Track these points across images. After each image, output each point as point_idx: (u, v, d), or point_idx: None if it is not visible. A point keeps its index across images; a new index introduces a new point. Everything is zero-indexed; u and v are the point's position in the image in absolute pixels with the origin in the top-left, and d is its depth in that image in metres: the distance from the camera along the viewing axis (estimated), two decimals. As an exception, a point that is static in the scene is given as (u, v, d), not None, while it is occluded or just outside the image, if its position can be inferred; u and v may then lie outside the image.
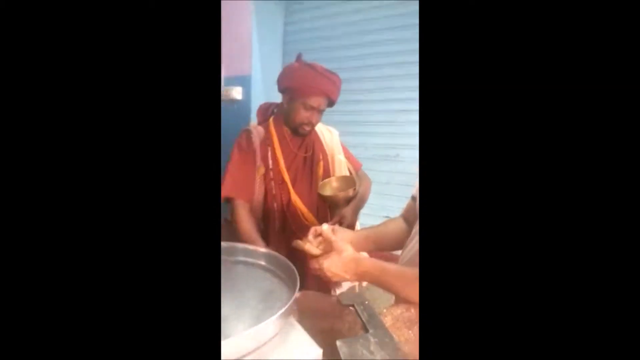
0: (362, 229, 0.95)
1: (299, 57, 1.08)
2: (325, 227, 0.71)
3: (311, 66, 1.02)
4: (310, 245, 0.70)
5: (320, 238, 0.72)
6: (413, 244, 0.75)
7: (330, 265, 0.63)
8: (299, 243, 0.71)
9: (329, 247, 0.68)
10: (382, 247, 0.87)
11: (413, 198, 0.83)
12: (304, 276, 0.59)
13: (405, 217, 0.86)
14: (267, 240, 1.09)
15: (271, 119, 1.16)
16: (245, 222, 1.03)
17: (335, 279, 0.66)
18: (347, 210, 1.10)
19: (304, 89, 1.01)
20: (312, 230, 0.74)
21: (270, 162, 1.09)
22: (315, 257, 0.67)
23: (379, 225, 0.87)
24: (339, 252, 0.64)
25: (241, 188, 1.06)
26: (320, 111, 1.07)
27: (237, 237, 1.02)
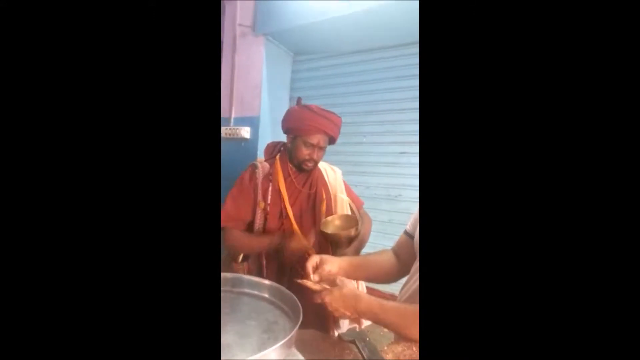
0: (352, 257, 0.97)
1: (298, 101, 1.18)
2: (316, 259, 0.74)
3: (308, 107, 1.13)
4: (311, 282, 0.72)
5: (318, 272, 0.75)
6: (411, 284, 0.75)
7: (332, 300, 0.65)
8: (302, 281, 0.73)
9: (329, 282, 0.71)
10: (370, 276, 0.89)
11: (406, 233, 0.85)
12: (304, 313, 0.59)
13: (396, 251, 0.88)
14: (268, 272, 1.11)
15: (277, 156, 1.22)
16: (240, 234, 1.13)
17: (336, 314, 0.67)
18: (348, 251, 1.12)
19: (303, 128, 1.11)
20: (310, 263, 0.76)
21: (269, 197, 1.14)
22: (317, 292, 0.69)
23: (368, 254, 0.89)
24: (339, 287, 0.67)
25: (234, 219, 1.13)
26: (320, 148, 1.14)
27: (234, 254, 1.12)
